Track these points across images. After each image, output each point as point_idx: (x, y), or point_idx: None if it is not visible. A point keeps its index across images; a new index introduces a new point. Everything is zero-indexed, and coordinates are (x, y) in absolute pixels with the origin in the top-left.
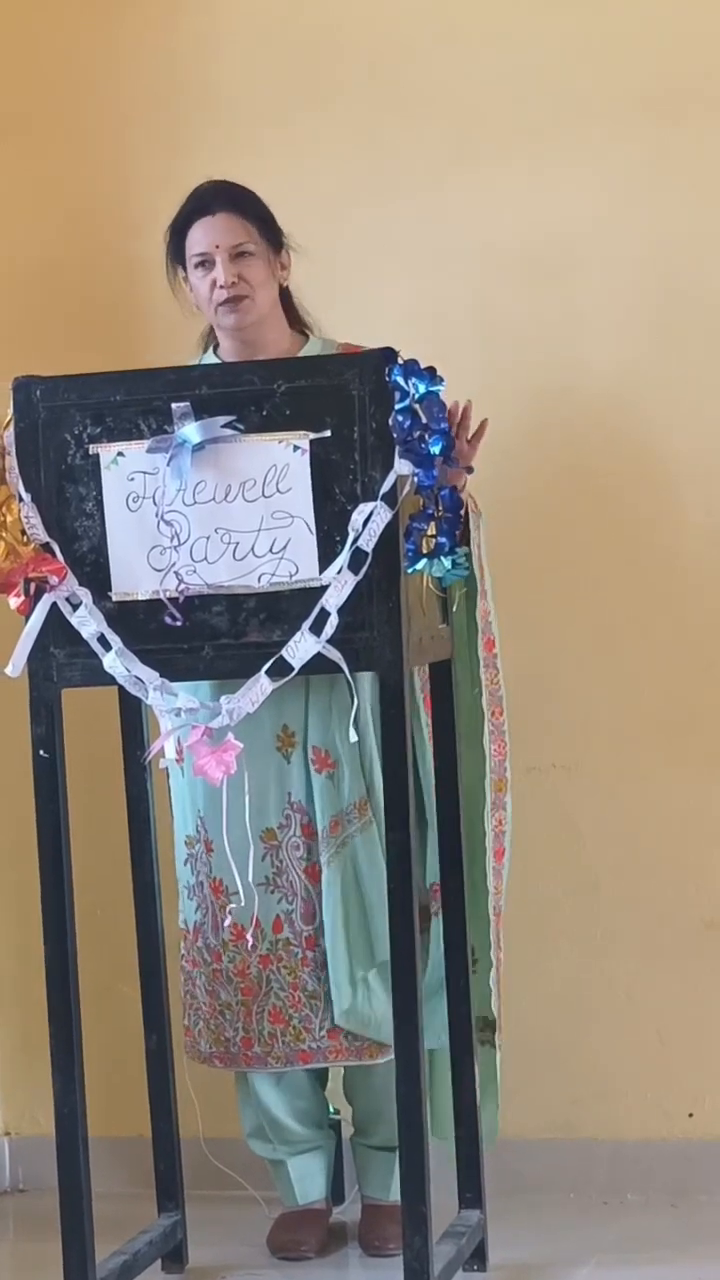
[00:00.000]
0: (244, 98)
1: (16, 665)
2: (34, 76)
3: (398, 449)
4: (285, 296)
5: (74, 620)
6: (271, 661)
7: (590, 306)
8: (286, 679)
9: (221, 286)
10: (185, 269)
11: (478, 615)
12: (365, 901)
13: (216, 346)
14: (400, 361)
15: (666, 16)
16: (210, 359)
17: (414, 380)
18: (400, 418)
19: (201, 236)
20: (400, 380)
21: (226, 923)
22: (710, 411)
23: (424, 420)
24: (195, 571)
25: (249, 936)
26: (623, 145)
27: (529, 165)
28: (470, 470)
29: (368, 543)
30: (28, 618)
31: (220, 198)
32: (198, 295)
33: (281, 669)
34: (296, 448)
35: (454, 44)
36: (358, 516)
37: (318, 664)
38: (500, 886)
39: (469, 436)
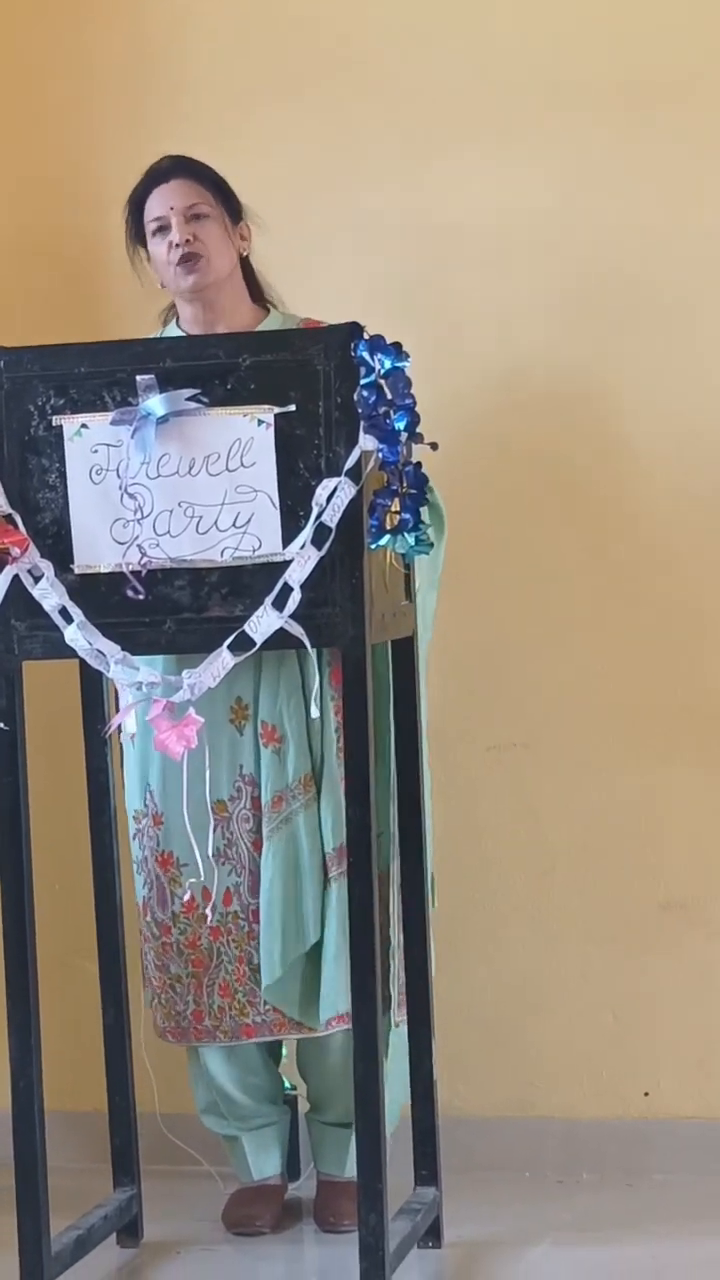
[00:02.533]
0: (213, 78)
1: None
2: (1, 52)
3: (362, 424)
4: (248, 270)
5: (35, 593)
6: (234, 636)
7: (554, 291)
8: (248, 654)
9: (176, 245)
10: (145, 245)
11: (412, 597)
12: (301, 880)
13: (178, 320)
14: (366, 337)
15: (634, 6)
16: (172, 331)
17: (379, 355)
18: (365, 393)
19: (157, 203)
20: (366, 355)
21: (186, 896)
22: (667, 397)
23: (389, 396)
24: (158, 545)
25: (209, 913)
26: (588, 133)
27: (495, 150)
28: (434, 447)
29: (331, 518)
30: None
31: (175, 166)
32: (157, 262)
33: (243, 644)
34: (261, 422)
35: (422, 29)
36: (321, 492)
37: (280, 639)
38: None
39: None
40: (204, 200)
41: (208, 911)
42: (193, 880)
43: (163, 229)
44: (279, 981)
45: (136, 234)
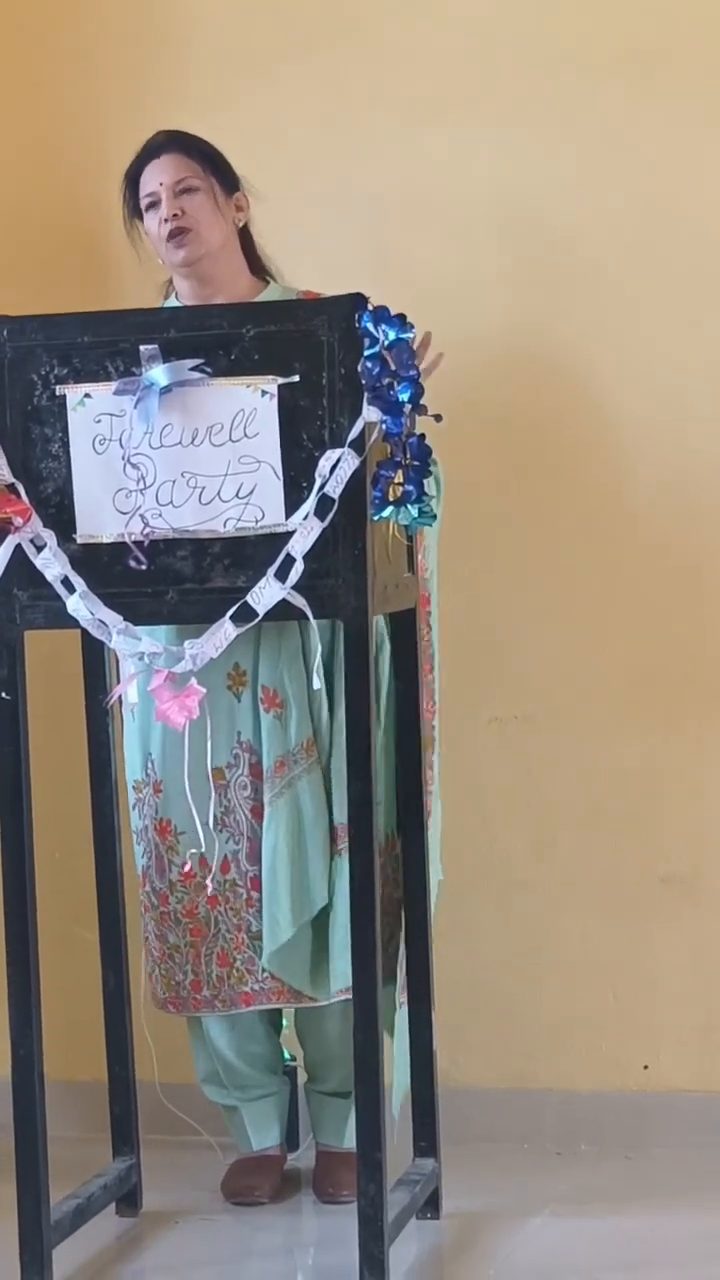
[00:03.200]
0: (217, 46)
1: None
2: (4, 19)
3: (366, 395)
4: (247, 242)
5: (38, 562)
6: (236, 607)
7: (554, 262)
8: (251, 624)
9: (165, 220)
10: (141, 219)
11: (415, 571)
12: (306, 844)
13: (176, 294)
14: (370, 308)
15: None
16: (172, 305)
17: (384, 327)
18: (369, 364)
19: (148, 179)
20: (370, 326)
21: (186, 867)
22: (666, 368)
23: (393, 367)
24: (161, 515)
25: (209, 883)
26: (595, 103)
27: (501, 121)
28: (438, 419)
29: (334, 489)
30: None
31: (168, 142)
32: (151, 238)
33: (246, 614)
34: (264, 392)
35: None
36: (325, 463)
37: (282, 610)
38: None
39: (422, 368)
40: (193, 174)
41: (208, 882)
42: (192, 851)
43: (154, 204)
44: (281, 949)
45: (133, 209)
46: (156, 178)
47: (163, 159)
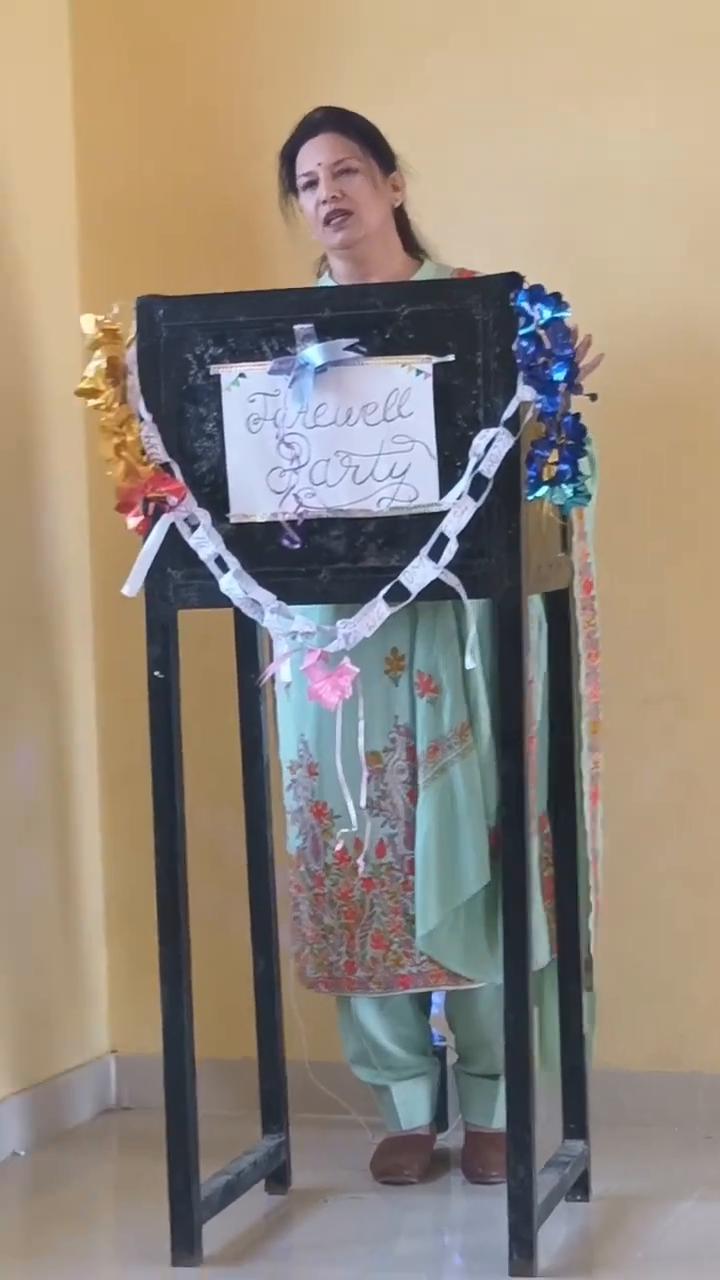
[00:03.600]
0: (371, 23)
1: (134, 585)
2: None
3: (521, 375)
4: (402, 221)
5: (192, 541)
6: (389, 586)
7: (714, 238)
8: (404, 604)
9: (323, 202)
10: (297, 197)
11: (575, 556)
12: (459, 830)
13: (330, 272)
14: (525, 286)
15: None
16: (325, 283)
17: (539, 305)
18: (524, 343)
19: (306, 158)
20: (525, 305)
21: (338, 846)
22: None
23: (548, 346)
24: (314, 494)
25: (360, 863)
26: None
27: (655, 94)
28: (593, 398)
29: (489, 469)
30: (146, 538)
31: (325, 120)
32: (308, 217)
33: (399, 594)
34: (419, 371)
35: None
36: (479, 442)
37: (435, 590)
38: (596, 829)
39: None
40: (352, 154)
41: (359, 862)
42: (344, 831)
43: (312, 184)
44: (433, 932)
45: (288, 186)
46: (315, 157)
47: (321, 138)
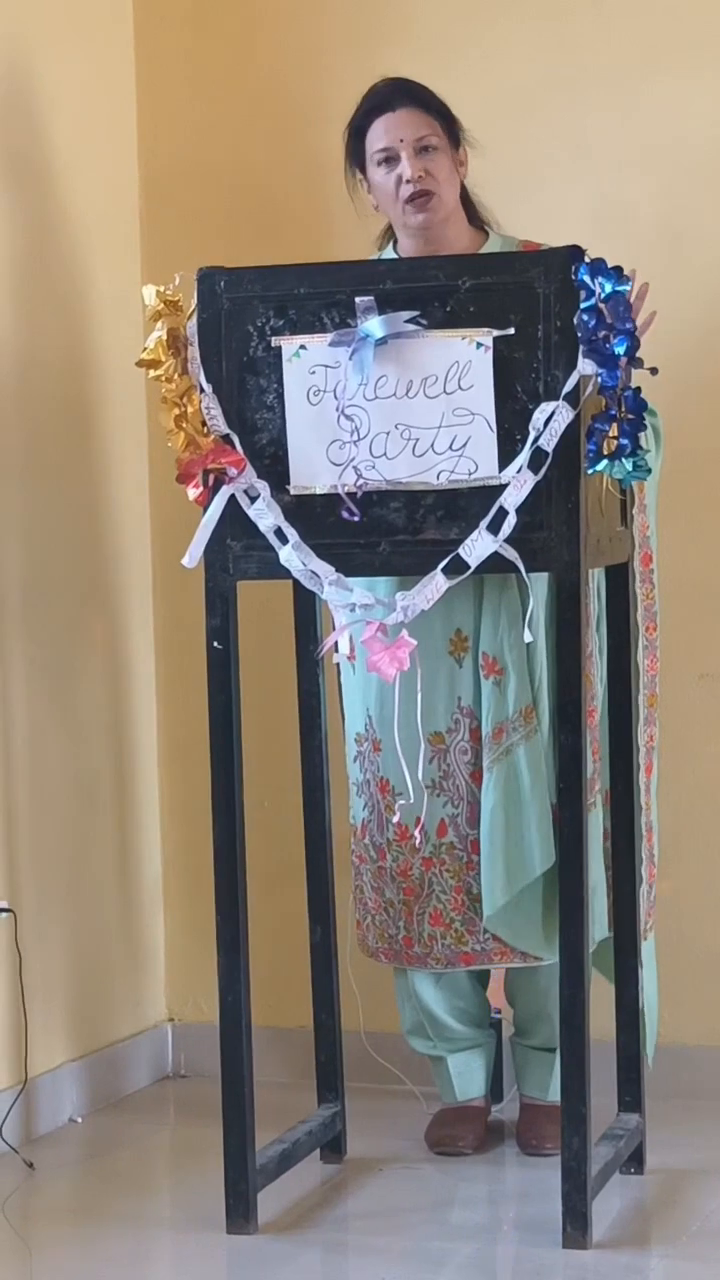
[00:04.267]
0: None
1: (193, 556)
2: None
3: (582, 348)
4: (464, 193)
5: (251, 513)
6: (448, 559)
7: None
8: (462, 577)
9: (408, 181)
10: (364, 170)
11: (635, 529)
12: (524, 811)
13: (395, 244)
14: (587, 260)
15: None
16: (389, 254)
17: (600, 279)
18: (585, 317)
19: (384, 132)
20: (586, 279)
21: (395, 819)
22: None
23: (609, 320)
24: (374, 467)
25: (415, 834)
26: None
27: (716, 66)
28: (654, 372)
29: (548, 442)
30: (206, 509)
31: (400, 93)
32: (381, 193)
33: (458, 567)
34: (479, 345)
35: None
36: (539, 416)
37: (494, 563)
38: (649, 803)
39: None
40: (433, 131)
41: (416, 833)
42: (402, 803)
43: (390, 160)
44: (501, 910)
45: (356, 159)
46: (395, 133)
47: (400, 113)
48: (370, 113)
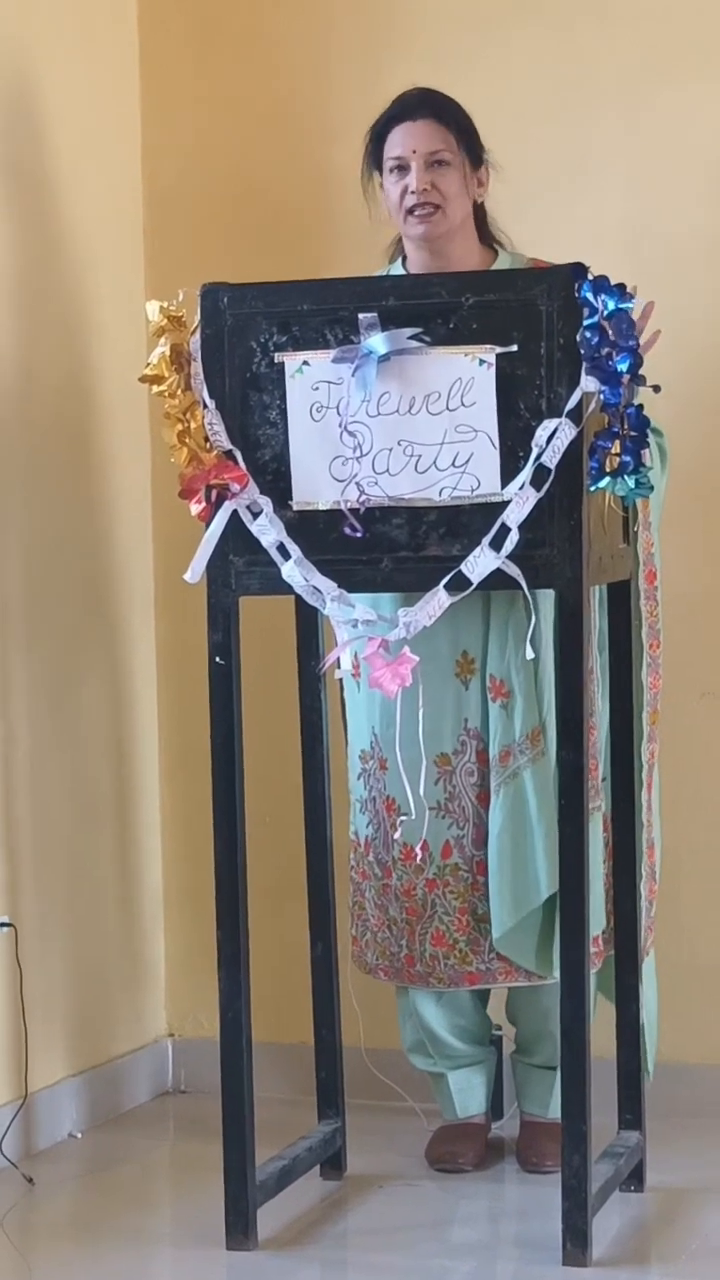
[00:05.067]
0: (442, 4)
1: (195, 572)
2: None
3: (585, 365)
4: (479, 212)
5: (254, 528)
6: (450, 576)
7: None
8: (465, 593)
9: (413, 192)
10: (380, 174)
11: (639, 547)
12: (531, 835)
13: (404, 259)
14: (590, 277)
15: None
16: (397, 270)
17: (603, 297)
18: (588, 334)
19: (400, 141)
20: (589, 296)
21: (397, 835)
22: None
23: (612, 337)
24: (377, 483)
25: (417, 851)
26: None
27: None
28: (657, 389)
29: (551, 459)
30: (208, 525)
31: (423, 104)
32: (389, 200)
33: (460, 583)
34: (482, 361)
35: None
36: (542, 432)
37: (496, 580)
38: (650, 820)
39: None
40: (448, 146)
41: (418, 851)
42: (403, 819)
43: (401, 169)
44: (510, 933)
45: (374, 162)
46: (409, 142)
47: (419, 123)
48: (392, 119)
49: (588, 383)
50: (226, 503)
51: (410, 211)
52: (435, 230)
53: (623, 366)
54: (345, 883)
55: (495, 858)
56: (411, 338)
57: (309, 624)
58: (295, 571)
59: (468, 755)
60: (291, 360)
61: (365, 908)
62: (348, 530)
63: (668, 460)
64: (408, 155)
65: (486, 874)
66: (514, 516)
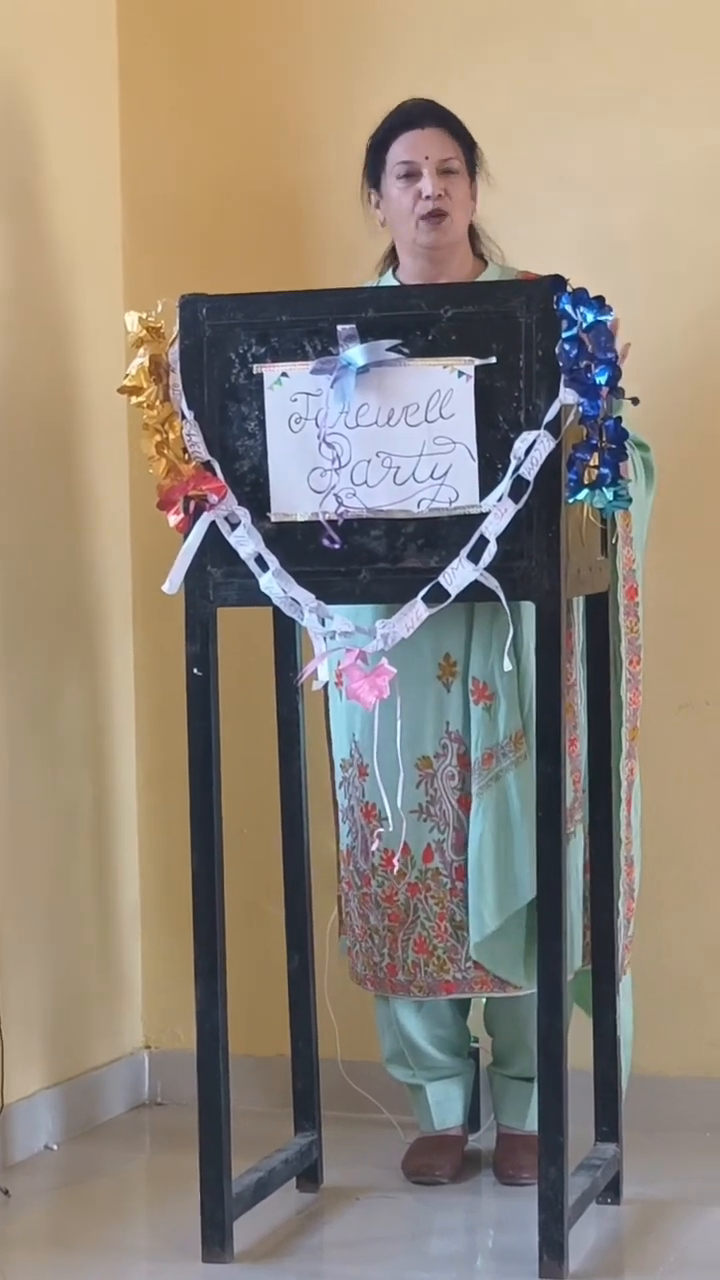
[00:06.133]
0: (422, 19)
1: (174, 583)
2: None
3: (563, 378)
4: (470, 225)
5: (232, 539)
6: (428, 588)
7: None
8: (443, 605)
9: (427, 197)
10: (380, 187)
11: (620, 562)
12: (514, 838)
13: (396, 267)
14: (569, 290)
15: None
16: (389, 280)
17: (582, 309)
18: (567, 346)
19: (409, 147)
20: (568, 308)
21: (374, 847)
22: None
23: (590, 349)
24: (355, 495)
25: (395, 862)
26: None
27: (706, 92)
28: (635, 401)
29: (529, 471)
30: (186, 536)
31: (430, 114)
32: (396, 207)
33: (438, 595)
34: (461, 373)
35: None
36: (520, 445)
37: (475, 592)
38: (630, 837)
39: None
40: (457, 155)
41: (396, 862)
42: (381, 830)
43: (411, 175)
44: (488, 939)
45: (372, 173)
46: (420, 150)
47: (428, 131)
48: (397, 128)
49: (566, 395)
50: (205, 514)
51: (424, 217)
52: (444, 238)
53: (601, 379)
54: (323, 895)
55: (476, 861)
56: (390, 349)
57: (287, 635)
58: (273, 583)
59: (449, 759)
60: (270, 371)
61: (351, 917)
62: (326, 542)
63: (654, 475)
64: (419, 161)
65: (465, 879)
66: (492, 528)
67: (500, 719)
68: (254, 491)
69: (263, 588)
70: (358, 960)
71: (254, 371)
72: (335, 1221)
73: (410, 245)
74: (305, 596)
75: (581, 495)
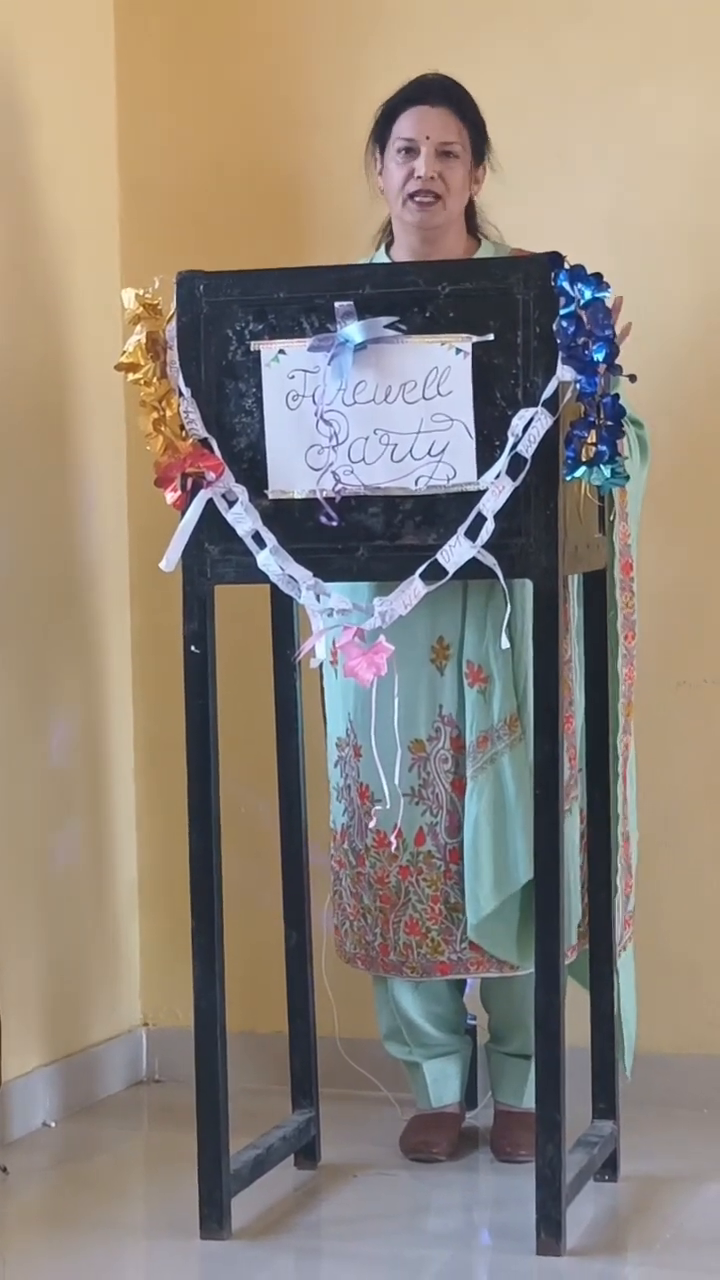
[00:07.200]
0: (424, 2)
1: (171, 560)
2: None
3: (561, 355)
4: (470, 207)
5: (229, 517)
6: (426, 565)
7: None
8: (440, 583)
9: (418, 177)
10: (384, 155)
11: (616, 537)
12: (509, 820)
13: (390, 245)
14: (566, 267)
15: None
16: (381, 257)
17: (580, 286)
18: (565, 323)
19: (412, 124)
20: (566, 285)
21: (371, 824)
22: None
23: (588, 326)
24: (353, 472)
25: (391, 840)
26: None
27: (706, 74)
28: (632, 379)
29: (527, 448)
30: (184, 513)
31: (441, 92)
32: (389, 182)
33: (436, 572)
34: (458, 350)
35: None
36: (518, 422)
37: (472, 569)
38: (626, 813)
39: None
40: (460, 139)
41: (392, 840)
42: (378, 808)
43: (409, 151)
44: (485, 920)
45: (379, 140)
46: (422, 127)
47: (436, 110)
48: (407, 100)
49: (564, 372)
50: (202, 491)
51: (411, 197)
52: (432, 220)
53: (599, 356)
54: (321, 872)
55: (471, 844)
56: (388, 326)
57: (284, 613)
58: (271, 560)
59: (442, 742)
60: (267, 348)
61: (343, 896)
62: (323, 519)
63: (648, 452)
64: (419, 140)
65: (460, 862)
66: (490, 506)
67: (495, 702)
68: (251, 469)
69: (260, 565)
70: (347, 939)
71: (251, 348)
72: (333, 1199)
73: (398, 219)
74: (303, 574)
75: (579, 472)
